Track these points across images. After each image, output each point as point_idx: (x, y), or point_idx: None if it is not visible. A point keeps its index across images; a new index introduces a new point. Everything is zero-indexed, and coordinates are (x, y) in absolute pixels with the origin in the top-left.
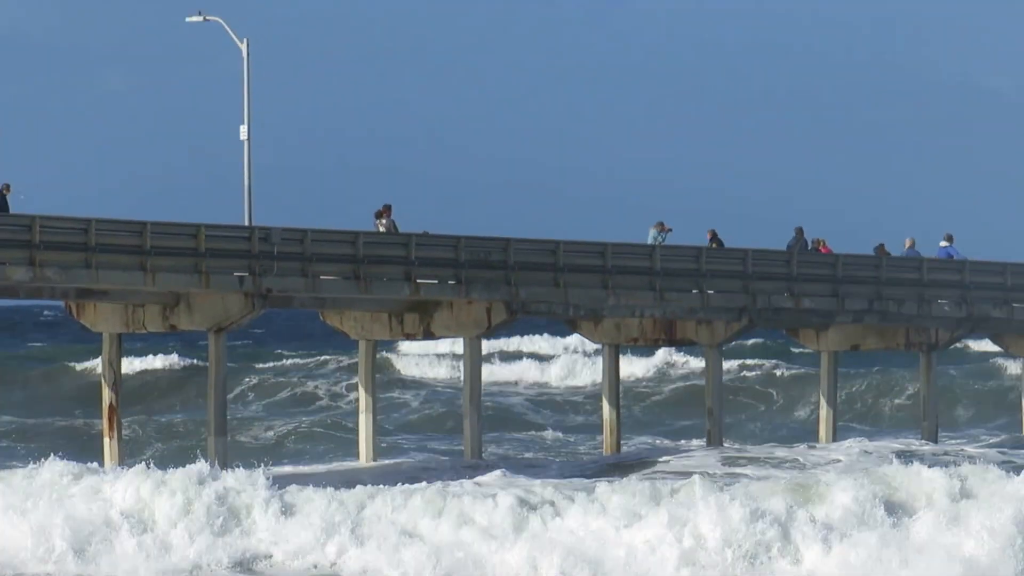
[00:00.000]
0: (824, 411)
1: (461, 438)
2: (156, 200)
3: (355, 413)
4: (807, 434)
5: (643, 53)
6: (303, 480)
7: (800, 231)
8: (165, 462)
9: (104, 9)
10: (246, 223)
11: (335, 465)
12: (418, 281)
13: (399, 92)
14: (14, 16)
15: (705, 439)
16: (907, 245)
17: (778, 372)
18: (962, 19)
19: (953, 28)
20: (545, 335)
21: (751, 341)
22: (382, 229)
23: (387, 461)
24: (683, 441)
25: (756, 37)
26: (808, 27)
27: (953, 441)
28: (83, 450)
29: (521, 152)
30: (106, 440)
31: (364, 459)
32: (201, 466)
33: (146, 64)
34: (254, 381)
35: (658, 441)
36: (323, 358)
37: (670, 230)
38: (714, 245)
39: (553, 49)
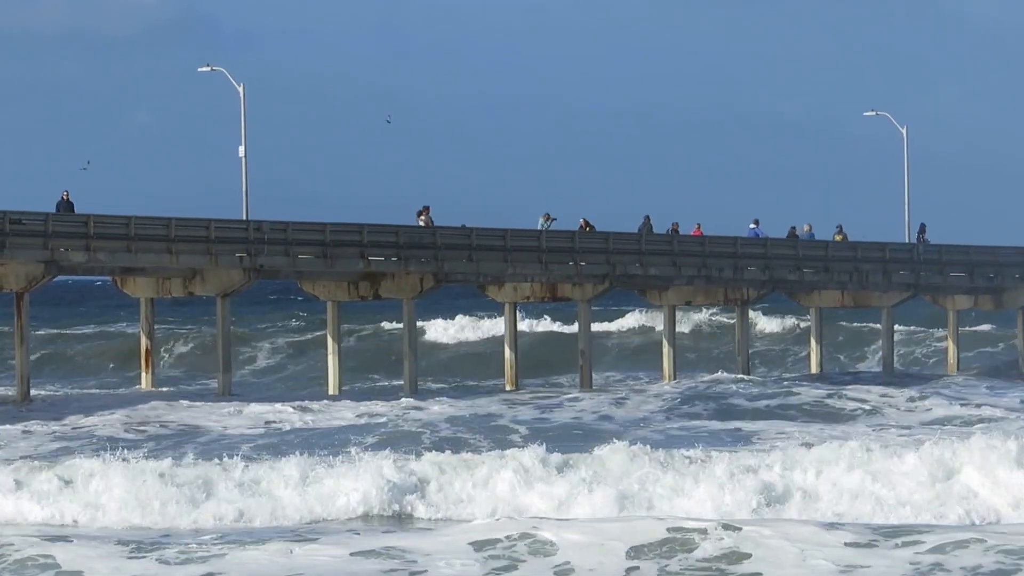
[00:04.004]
0: (666, 349)
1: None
2: (179, 201)
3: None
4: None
5: None
6: None
7: (647, 218)
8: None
9: (140, 62)
10: (244, 218)
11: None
12: (369, 258)
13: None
14: (66, 66)
15: (578, 376)
16: (752, 225)
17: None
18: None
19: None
20: None
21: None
22: (422, 223)
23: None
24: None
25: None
26: None
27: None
28: None
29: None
30: (143, 374)
31: (332, 388)
32: None
33: (169, 102)
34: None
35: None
36: None
37: (555, 219)
38: (588, 229)
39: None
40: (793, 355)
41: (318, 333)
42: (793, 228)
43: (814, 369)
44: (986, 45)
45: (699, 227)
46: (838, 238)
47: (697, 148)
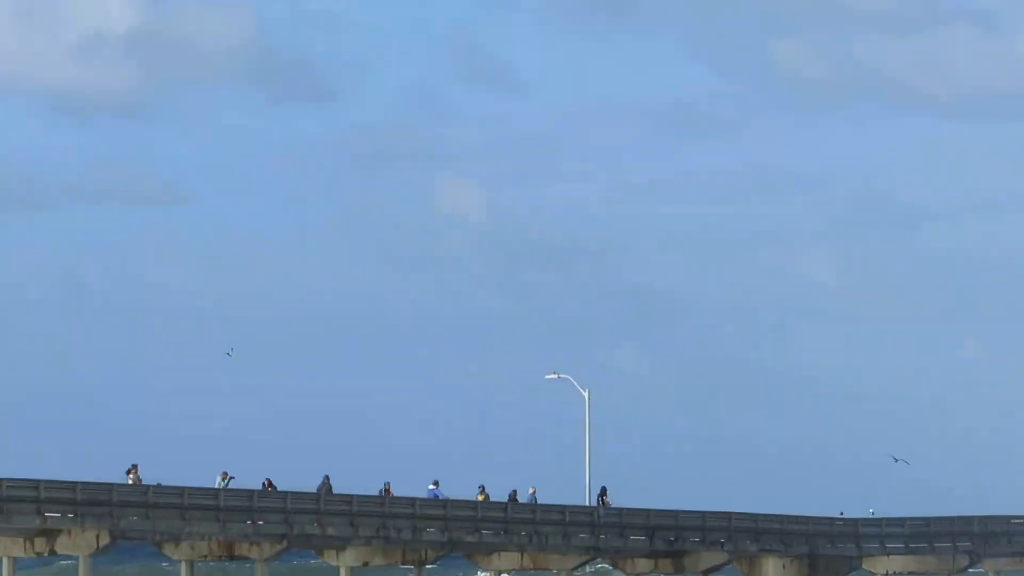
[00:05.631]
0: None
1: None
2: None
3: None
4: None
5: None
6: None
7: (327, 477)
8: None
9: None
10: None
11: None
12: (46, 514)
13: None
14: None
15: None
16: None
17: None
18: None
19: None
20: None
21: None
22: (130, 481)
23: None
24: None
25: None
26: None
27: None
28: None
29: None
30: None
31: None
32: None
33: None
34: None
35: None
36: None
37: (233, 477)
38: (269, 488)
39: None
40: None
41: None
42: (514, 491)
43: None
44: (652, 304)
45: (388, 485)
46: (480, 498)
47: None
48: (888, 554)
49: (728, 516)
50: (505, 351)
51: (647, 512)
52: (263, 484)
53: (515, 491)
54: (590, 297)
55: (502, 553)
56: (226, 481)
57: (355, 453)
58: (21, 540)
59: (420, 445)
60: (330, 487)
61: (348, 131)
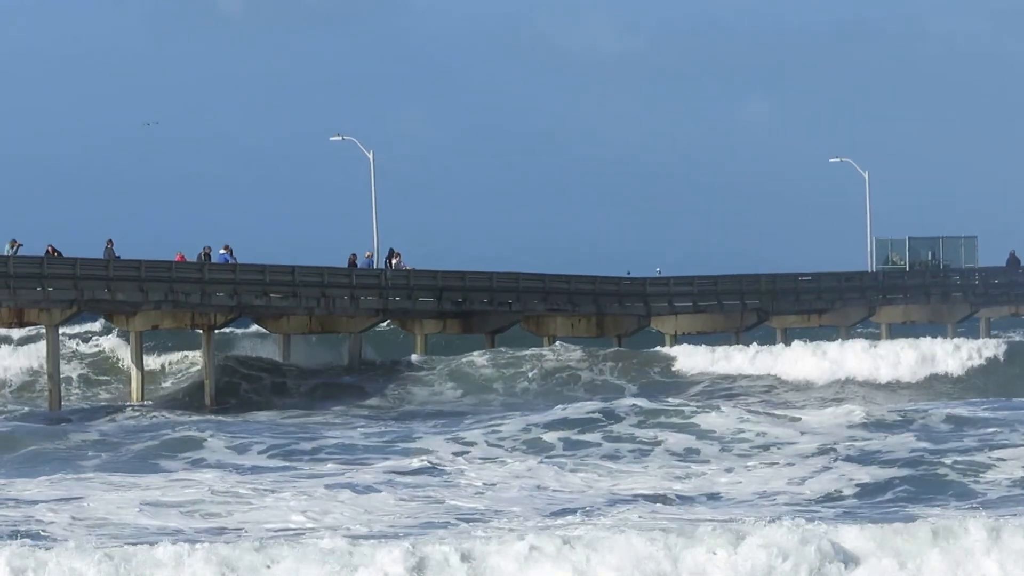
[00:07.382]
0: (134, 373)
1: None
2: None
3: None
4: None
5: None
6: None
7: (110, 242)
8: None
9: None
10: None
11: None
12: None
13: None
14: None
15: (48, 399)
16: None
17: None
18: None
19: None
20: None
21: None
22: None
23: None
24: None
25: None
26: None
27: None
28: None
29: None
30: None
31: None
32: None
33: None
34: None
35: None
36: None
37: (21, 244)
38: (55, 254)
39: None
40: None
41: None
42: (353, 255)
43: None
44: (434, 67)
45: (181, 255)
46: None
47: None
48: (676, 313)
49: (516, 277)
50: (286, 114)
51: (435, 273)
52: (46, 251)
53: (354, 255)
54: (372, 58)
55: (291, 317)
56: (15, 248)
57: (141, 220)
58: None
59: (206, 211)
60: (114, 252)
61: None
